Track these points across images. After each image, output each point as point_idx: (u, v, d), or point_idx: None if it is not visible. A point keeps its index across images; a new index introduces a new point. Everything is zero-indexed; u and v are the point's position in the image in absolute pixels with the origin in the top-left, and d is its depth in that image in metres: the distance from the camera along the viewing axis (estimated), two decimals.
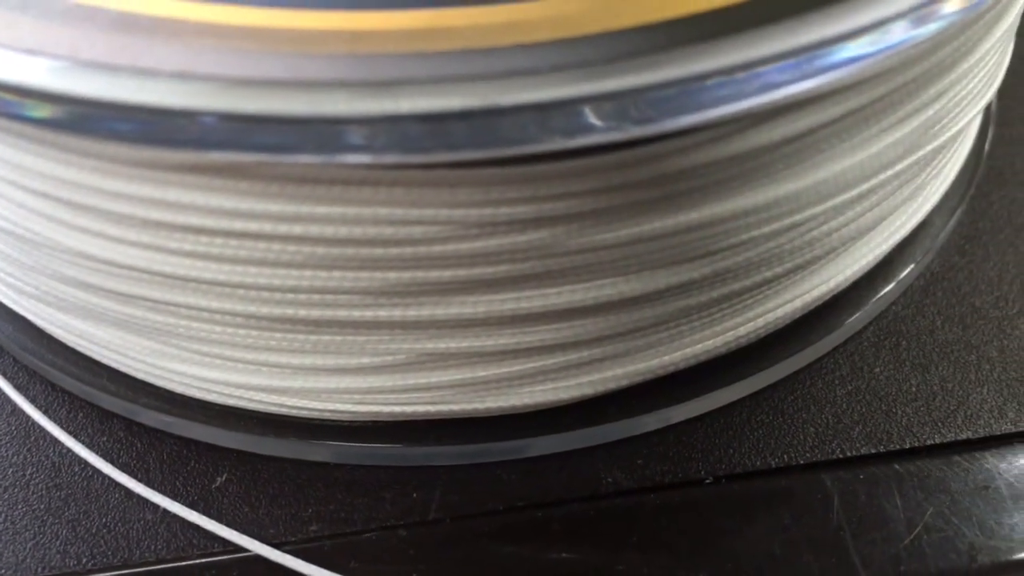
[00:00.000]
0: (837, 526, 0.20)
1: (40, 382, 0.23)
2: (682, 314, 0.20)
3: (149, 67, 0.15)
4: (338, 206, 0.17)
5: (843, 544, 0.20)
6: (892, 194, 0.21)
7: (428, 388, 0.20)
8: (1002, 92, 0.28)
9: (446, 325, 0.19)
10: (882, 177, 0.20)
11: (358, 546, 0.20)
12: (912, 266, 0.24)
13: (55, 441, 0.22)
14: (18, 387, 0.23)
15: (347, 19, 0.16)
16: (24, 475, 0.22)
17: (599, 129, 0.15)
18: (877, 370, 0.23)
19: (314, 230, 0.17)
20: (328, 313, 0.19)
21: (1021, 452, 0.21)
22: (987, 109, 0.28)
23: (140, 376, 0.22)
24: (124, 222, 0.18)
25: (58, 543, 0.21)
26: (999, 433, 0.22)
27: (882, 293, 0.24)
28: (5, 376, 0.23)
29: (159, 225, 0.18)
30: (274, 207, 0.17)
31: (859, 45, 0.16)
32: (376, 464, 0.22)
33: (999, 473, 0.21)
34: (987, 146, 0.27)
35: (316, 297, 0.19)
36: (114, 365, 0.23)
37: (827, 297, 0.23)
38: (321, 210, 0.17)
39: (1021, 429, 0.22)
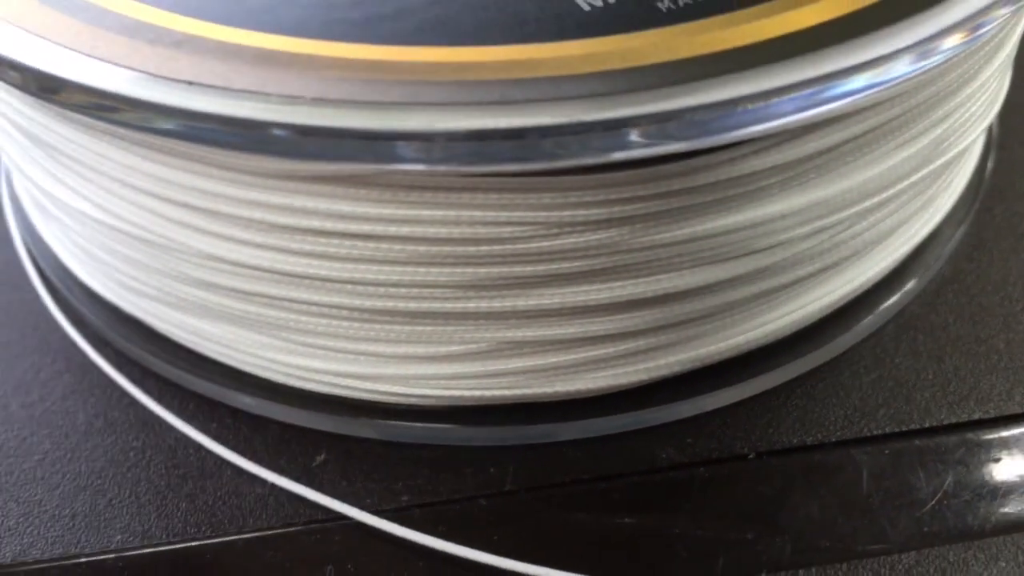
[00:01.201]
0: (867, 494, 0.23)
1: (154, 377, 0.26)
2: (727, 307, 0.23)
3: (291, 94, 0.19)
4: (440, 209, 0.20)
5: (872, 509, 0.23)
6: (907, 203, 0.24)
7: (505, 374, 0.23)
8: (1002, 117, 0.32)
9: (525, 316, 0.22)
10: (898, 187, 0.23)
11: (444, 514, 0.23)
12: (926, 270, 0.27)
13: (170, 427, 0.25)
14: (134, 381, 0.26)
15: (452, 53, 0.19)
16: (144, 457, 0.25)
17: (653, 143, 0.19)
18: (897, 361, 0.26)
19: (418, 231, 0.20)
20: (424, 305, 0.22)
21: (1017, 435, 0.24)
22: (989, 131, 0.31)
23: (246, 368, 0.25)
24: (253, 227, 0.21)
25: (179, 514, 0.24)
26: (1008, 413, 0.24)
27: (900, 294, 0.26)
28: (122, 371, 0.26)
29: (284, 228, 0.21)
30: (386, 211, 0.20)
31: (870, 75, 0.19)
32: (458, 444, 0.24)
33: (1007, 447, 0.24)
34: (990, 164, 0.30)
35: (415, 291, 0.22)
36: (222, 359, 0.26)
37: (852, 296, 0.26)
38: (425, 213, 0.20)
39: (1017, 412, 0.24)
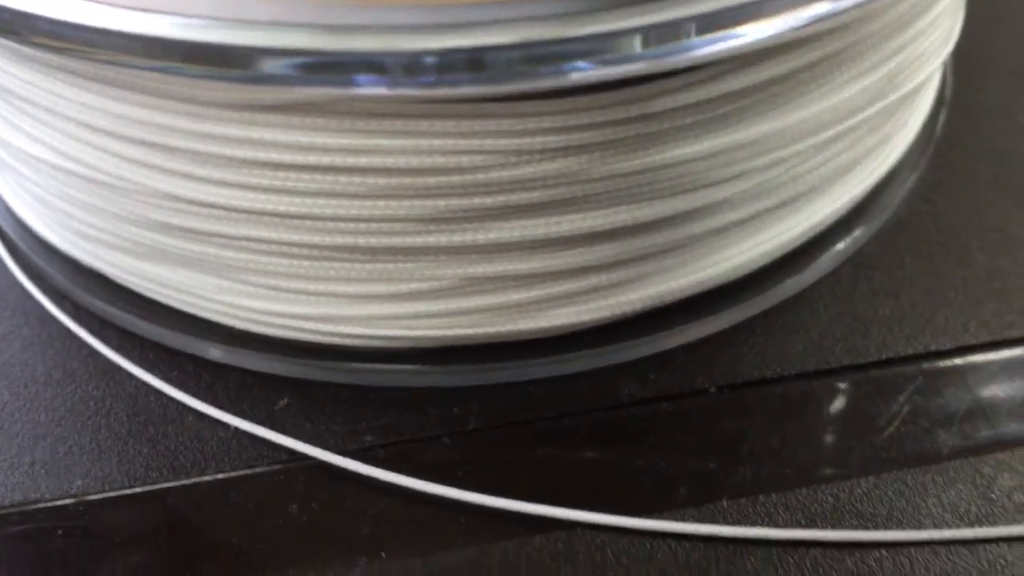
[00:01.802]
0: (826, 423, 0.23)
1: (114, 328, 0.26)
2: (688, 242, 0.23)
3: (247, 18, 0.18)
4: (398, 139, 0.20)
5: (831, 439, 0.23)
6: (863, 139, 0.25)
7: (467, 312, 0.23)
8: (957, 66, 0.32)
9: (486, 250, 0.22)
10: (854, 120, 0.23)
11: (407, 453, 0.23)
12: (883, 211, 0.27)
13: (131, 376, 0.25)
14: (93, 332, 0.26)
15: None
16: (104, 406, 0.25)
17: (610, 64, 0.19)
18: (855, 298, 0.26)
19: (376, 161, 0.20)
20: (384, 240, 0.22)
21: (980, 359, 0.25)
22: (943, 78, 0.31)
23: (206, 315, 0.25)
24: (210, 162, 0.21)
25: (140, 459, 0.23)
26: (963, 344, 0.25)
27: (857, 233, 0.27)
28: (81, 323, 0.26)
29: (242, 162, 0.21)
30: (344, 141, 0.20)
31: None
32: (422, 386, 0.24)
33: (963, 377, 0.24)
34: (945, 109, 0.31)
35: (375, 226, 0.21)
36: (182, 307, 0.25)
37: (811, 235, 0.26)
38: (384, 142, 0.20)
39: (981, 341, 0.25)
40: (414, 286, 0.23)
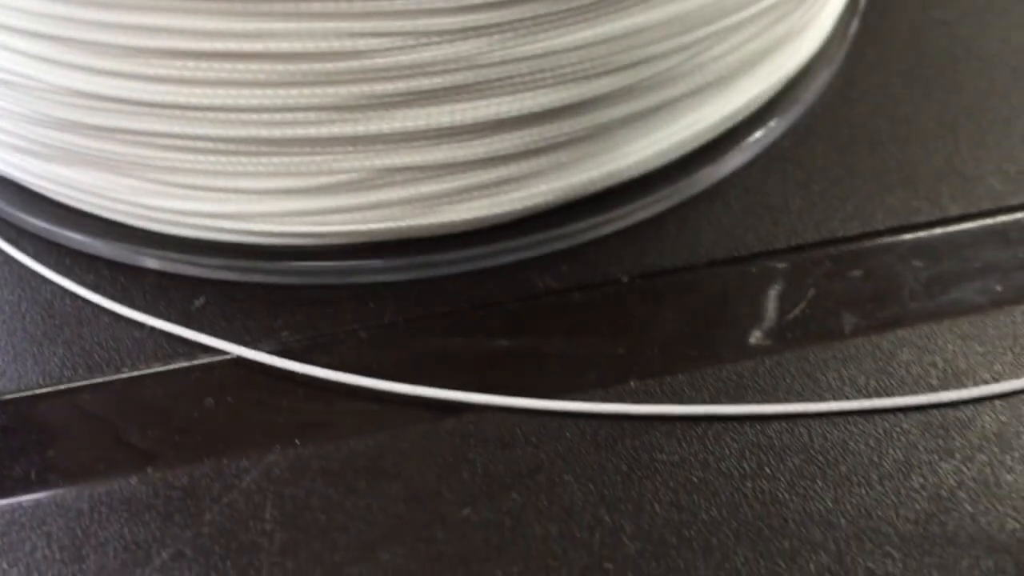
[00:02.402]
0: (734, 309, 0.24)
1: (29, 235, 0.26)
2: (598, 131, 0.24)
3: None
4: (294, 21, 0.20)
5: (739, 322, 0.24)
6: (771, 29, 0.25)
7: (378, 206, 0.23)
8: None
9: (392, 140, 0.22)
10: (755, 8, 0.24)
11: (324, 346, 0.24)
12: (796, 105, 0.28)
13: (46, 281, 0.25)
14: (9, 241, 0.26)
15: None
16: (20, 310, 0.25)
17: None
18: (767, 189, 0.26)
19: (272, 47, 0.20)
20: (288, 132, 0.22)
21: (885, 242, 0.25)
22: None
23: (119, 219, 0.25)
24: (109, 53, 0.21)
25: (56, 360, 0.23)
26: (869, 230, 0.25)
27: (771, 126, 0.27)
28: None
29: (140, 51, 0.20)
30: (239, 25, 0.20)
31: None
32: (336, 283, 0.25)
33: (866, 261, 0.25)
34: (860, 6, 0.31)
35: (277, 116, 0.21)
36: (95, 211, 0.25)
37: (724, 127, 0.26)
38: (279, 26, 0.20)
39: (888, 226, 0.25)
40: (323, 180, 0.23)
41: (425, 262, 0.24)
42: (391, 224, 0.24)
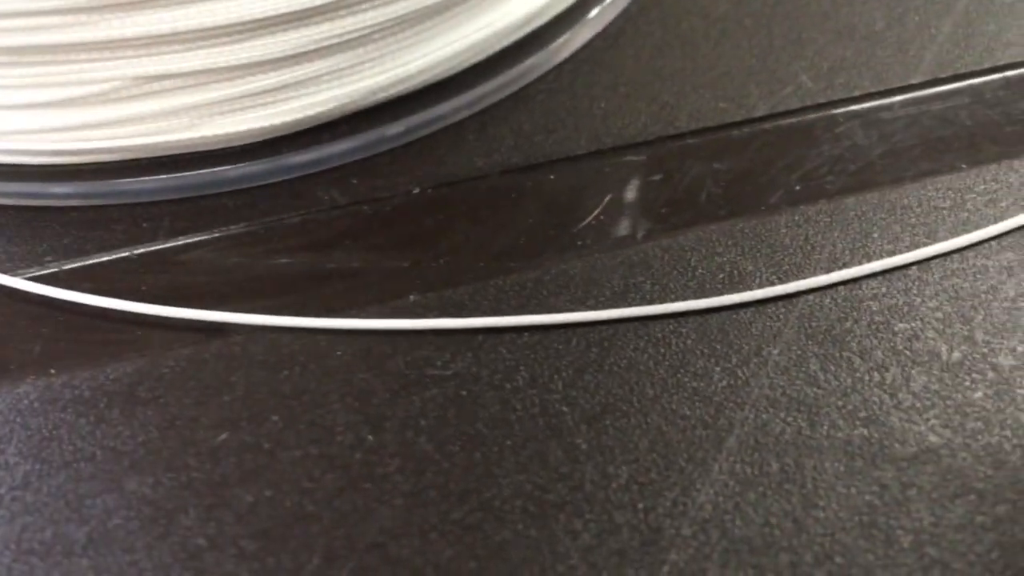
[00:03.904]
0: (526, 218, 0.23)
1: None
2: (374, 33, 0.22)
3: None
4: None
5: (531, 231, 0.23)
6: None
7: (139, 119, 0.22)
8: None
9: (139, 45, 0.21)
10: None
11: (91, 270, 0.22)
12: (607, 5, 0.27)
13: None
14: None
15: None
16: None
17: None
18: (574, 93, 0.25)
19: None
20: (28, 39, 0.20)
21: (687, 145, 0.24)
22: None
23: None
24: None
25: None
26: (671, 133, 0.24)
27: (578, 27, 0.26)
28: None
29: None
30: None
31: None
32: (104, 204, 0.23)
33: (666, 164, 0.24)
34: None
35: (14, 22, 0.20)
36: None
37: (526, 29, 0.25)
38: None
39: (691, 128, 0.24)
40: (73, 91, 0.21)
41: (199, 180, 0.23)
42: (156, 139, 0.22)
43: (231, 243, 0.23)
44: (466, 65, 0.24)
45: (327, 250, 0.22)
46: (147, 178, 0.23)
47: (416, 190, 0.23)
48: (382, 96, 0.23)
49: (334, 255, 0.22)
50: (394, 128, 0.24)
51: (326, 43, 0.22)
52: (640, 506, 0.18)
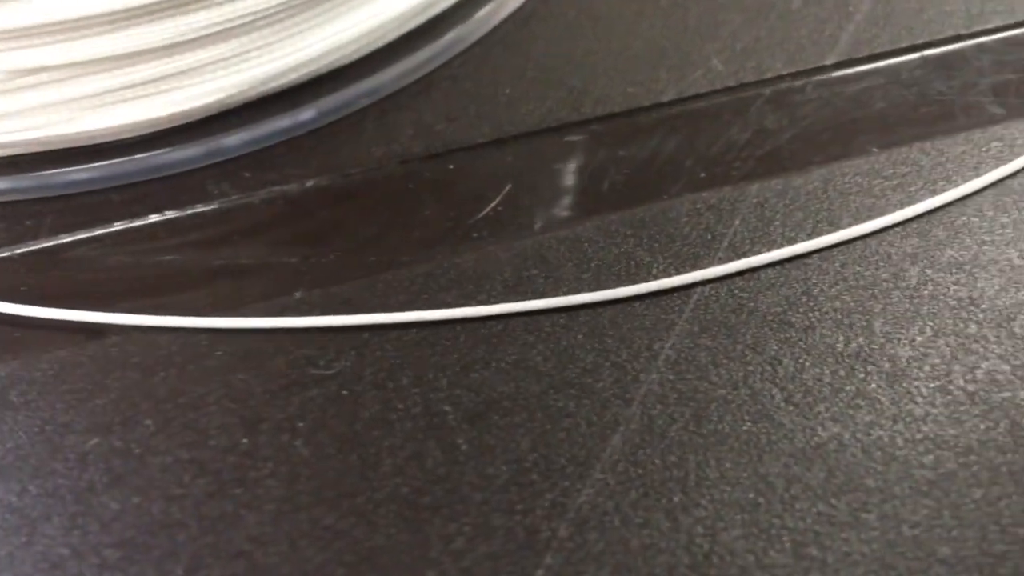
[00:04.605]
0: (422, 210, 0.22)
1: None
2: (259, 20, 0.21)
3: None
4: None
5: (426, 224, 0.22)
6: None
7: (18, 114, 0.21)
8: None
9: (11, 37, 0.20)
10: None
11: None
12: None
13: None
14: None
15: None
16: None
17: None
18: (479, 80, 0.25)
19: None
20: None
21: (592, 132, 0.24)
22: None
23: None
24: None
25: None
26: (576, 120, 0.24)
27: (488, 10, 0.25)
28: None
29: None
30: None
31: None
32: None
33: (568, 153, 0.23)
34: None
35: None
36: None
37: (429, 13, 0.24)
38: None
39: (596, 115, 0.24)
40: None
41: (84, 173, 0.22)
42: (34, 134, 0.22)
43: (115, 241, 0.22)
44: (363, 53, 0.24)
45: (215, 247, 0.22)
46: (26, 175, 0.22)
47: (310, 183, 0.23)
48: (274, 85, 0.23)
49: (222, 252, 0.22)
50: (288, 119, 0.23)
51: (208, 31, 0.21)
52: (518, 508, 0.17)
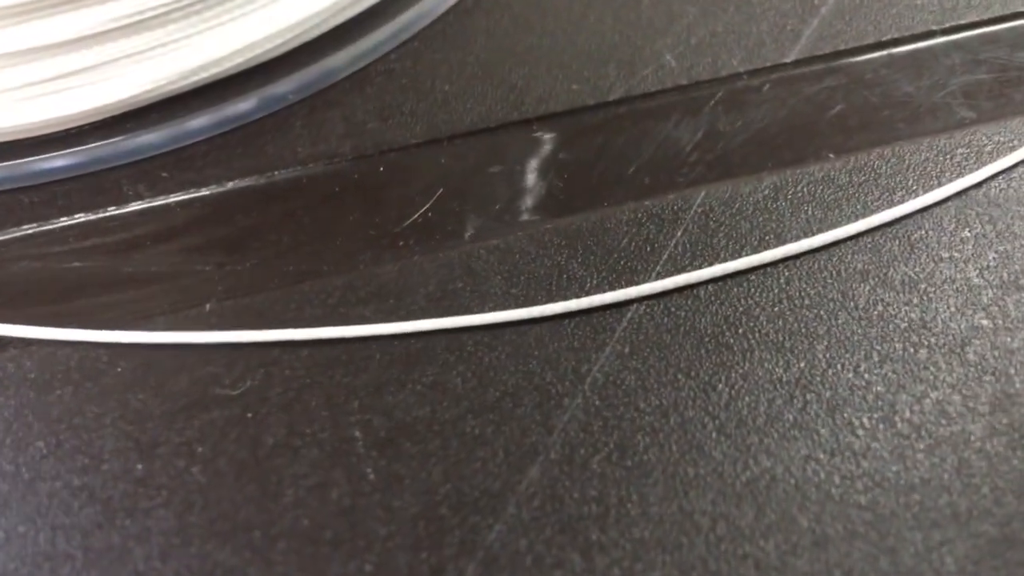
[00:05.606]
0: (350, 215, 0.21)
1: None
2: (173, 12, 0.20)
3: None
4: None
5: (353, 230, 0.21)
6: None
7: None
8: None
9: None
10: None
11: None
12: None
13: None
14: None
15: None
16: None
17: None
18: (415, 76, 0.23)
19: None
20: None
21: (533, 134, 0.22)
22: None
23: None
24: None
25: None
26: (515, 119, 0.22)
27: (413, 15, 0.24)
28: None
29: None
30: None
31: None
32: None
33: (507, 155, 0.22)
34: None
35: None
36: None
37: (362, 5, 0.23)
38: None
39: (538, 114, 0.22)
40: None
41: None
42: None
43: (22, 244, 0.21)
44: (290, 46, 0.22)
45: (126, 252, 0.20)
46: None
47: (230, 184, 0.21)
48: (193, 81, 0.21)
49: (133, 258, 0.20)
50: (208, 117, 0.22)
51: (115, 24, 0.20)
52: (425, 544, 0.16)
